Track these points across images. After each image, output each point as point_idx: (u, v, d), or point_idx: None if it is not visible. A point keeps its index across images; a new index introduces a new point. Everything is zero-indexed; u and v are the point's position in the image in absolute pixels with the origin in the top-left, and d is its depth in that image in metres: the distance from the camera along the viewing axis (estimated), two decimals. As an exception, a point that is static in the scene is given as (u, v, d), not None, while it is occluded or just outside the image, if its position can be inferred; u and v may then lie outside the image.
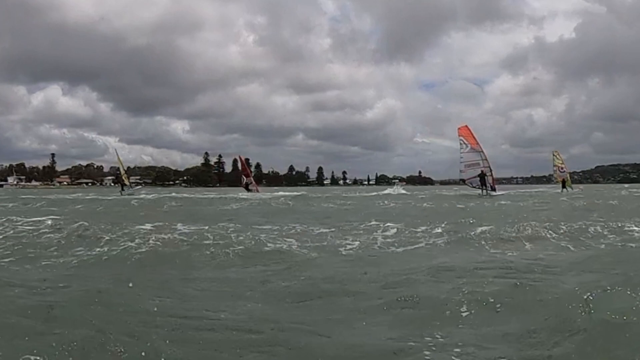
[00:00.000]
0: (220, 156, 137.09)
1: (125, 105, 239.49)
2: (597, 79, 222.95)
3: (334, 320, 3.74)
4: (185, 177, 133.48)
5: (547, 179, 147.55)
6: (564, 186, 40.30)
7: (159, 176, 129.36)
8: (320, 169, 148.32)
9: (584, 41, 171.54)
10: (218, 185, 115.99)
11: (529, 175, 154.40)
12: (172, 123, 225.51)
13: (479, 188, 32.42)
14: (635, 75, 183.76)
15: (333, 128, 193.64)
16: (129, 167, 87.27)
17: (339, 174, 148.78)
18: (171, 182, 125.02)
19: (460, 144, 33.31)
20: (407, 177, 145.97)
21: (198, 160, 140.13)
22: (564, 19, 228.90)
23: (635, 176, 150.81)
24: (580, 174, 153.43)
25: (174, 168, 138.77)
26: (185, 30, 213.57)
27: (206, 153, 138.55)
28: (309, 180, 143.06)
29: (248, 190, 40.67)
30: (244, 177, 44.44)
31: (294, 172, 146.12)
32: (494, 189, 32.48)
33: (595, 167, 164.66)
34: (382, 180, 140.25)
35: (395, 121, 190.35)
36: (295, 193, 35.35)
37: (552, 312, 3.57)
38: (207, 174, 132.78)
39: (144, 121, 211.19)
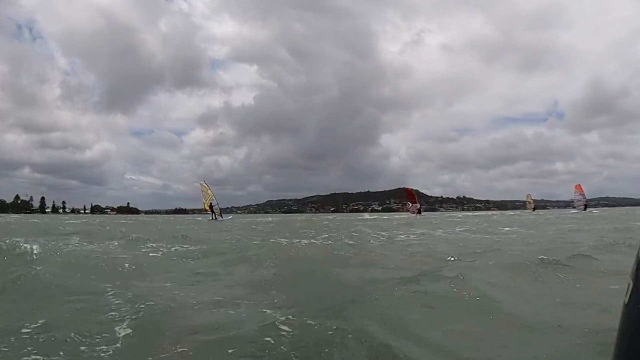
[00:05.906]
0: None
1: None
2: (268, 137, 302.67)
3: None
4: None
5: (229, 210, 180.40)
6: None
7: None
8: (42, 199, 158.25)
9: (259, 108, 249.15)
10: None
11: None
12: None
13: (578, 210, 59.13)
14: (295, 136, 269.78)
15: (56, 164, 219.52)
16: None
17: (59, 204, 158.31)
18: None
19: (575, 193, 64.24)
20: (118, 207, 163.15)
21: None
22: (247, 90, 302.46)
23: (295, 208, 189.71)
24: (256, 206, 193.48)
25: None
26: None
27: None
28: (32, 208, 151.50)
29: (419, 212, 47.34)
30: (410, 203, 50.39)
31: (19, 201, 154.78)
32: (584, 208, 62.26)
33: (266, 202, 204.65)
34: (97, 209, 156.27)
35: (110, 161, 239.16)
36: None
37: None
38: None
39: None
